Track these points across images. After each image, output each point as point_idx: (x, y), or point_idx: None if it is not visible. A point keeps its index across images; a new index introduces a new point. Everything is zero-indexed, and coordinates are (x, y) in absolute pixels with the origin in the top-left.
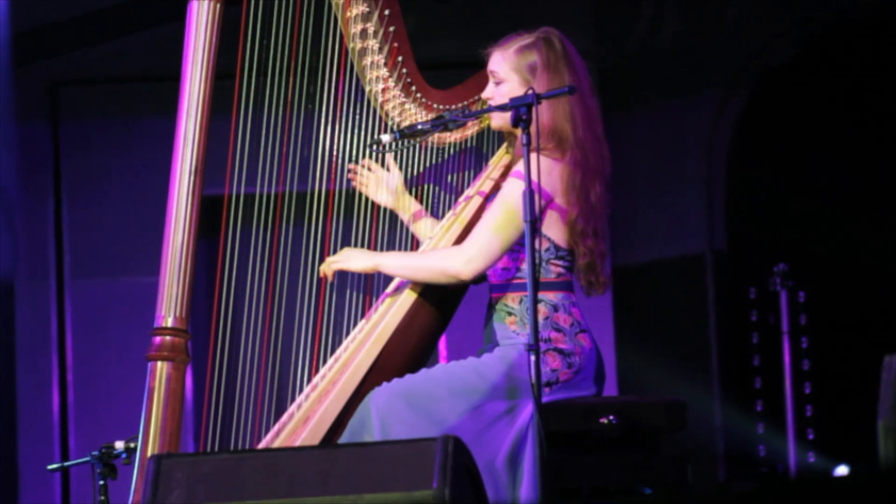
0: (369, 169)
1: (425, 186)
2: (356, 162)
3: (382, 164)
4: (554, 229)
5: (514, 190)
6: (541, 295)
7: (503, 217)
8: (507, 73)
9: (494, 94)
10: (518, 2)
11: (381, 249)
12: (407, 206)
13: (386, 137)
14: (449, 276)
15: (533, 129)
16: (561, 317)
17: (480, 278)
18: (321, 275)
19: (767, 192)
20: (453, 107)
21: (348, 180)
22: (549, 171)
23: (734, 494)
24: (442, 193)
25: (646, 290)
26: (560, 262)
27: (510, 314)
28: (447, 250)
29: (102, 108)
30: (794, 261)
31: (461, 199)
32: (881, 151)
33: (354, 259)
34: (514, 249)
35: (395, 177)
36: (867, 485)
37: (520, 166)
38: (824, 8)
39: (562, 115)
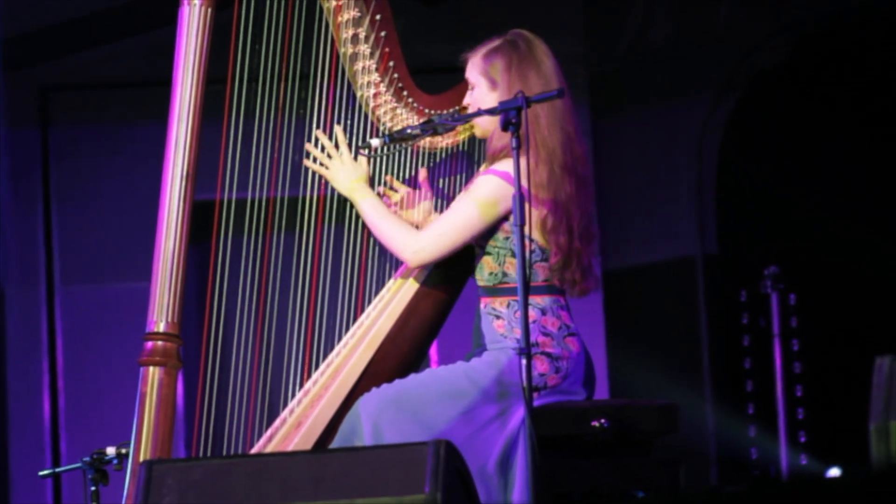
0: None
1: (416, 190)
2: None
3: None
4: (536, 231)
5: (483, 186)
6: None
7: (466, 214)
8: (476, 77)
9: (470, 100)
10: (507, 6)
11: (372, 256)
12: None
13: (375, 142)
14: (399, 256)
15: (523, 132)
16: (549, 320)
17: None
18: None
19: (758, 195)
20: (444, 111)
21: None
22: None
23: (726, 496)
24: (434, 198)
25: (637, 294)
26: (547, 265)
27: (498, 318)
28: (406, 233)
29: (92, 113)
30: (785, 263)
31: (453, 203)
32: (873, 154)
33: (340, 176)
34: (500, 253)
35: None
36: (859, 487)
37: (497, 165)
38: (815, 11)
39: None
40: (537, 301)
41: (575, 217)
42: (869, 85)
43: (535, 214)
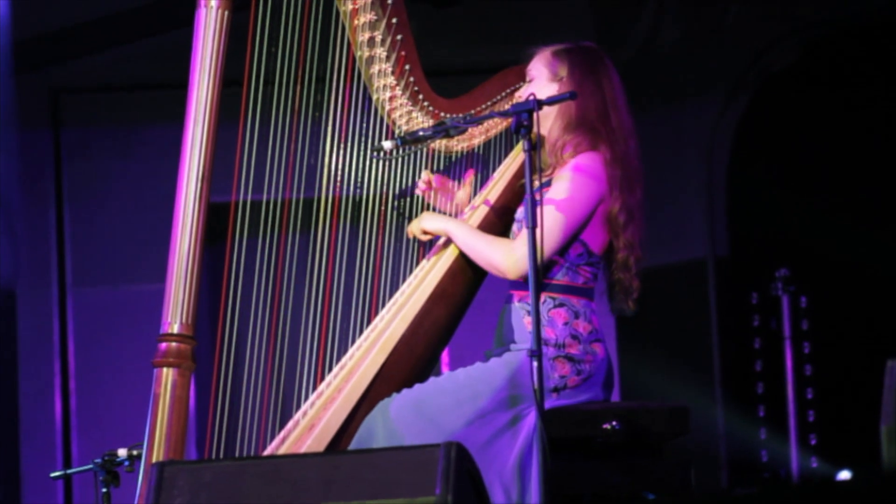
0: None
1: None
2: (360, 171)
3: (383, 171)
4: (594, 232)
5: (573, 185)
6: (563, 298)
7: (559, 218)
8: (538, 69)
9: (523, 93)
10: (518, 8)
11: (387, 260)
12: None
13: (388, 144)
14: (497, 271)
15: (534, 134)
16: (581, 324)
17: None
18: (409, 234)
19: (769, 196)
20: (458, 115)
21: (355, 187)
22: (594, 170)
23: (736, 499)
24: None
25: (648, 296)
26: (589, 269)
27: (530, 314)
28: (502, 245)
29: (104, 116)
30: (795, 266)
31: (467, 208)
32: (882, 156)
33: (428, 221)
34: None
35: (463, 192)
36: (870, 489)
37: (580, 159)
38: (824, 13)
39: (593, 109)
40: (574, 303)
41: (638, 225)
42: (879, 87)
43: (608, 210)
